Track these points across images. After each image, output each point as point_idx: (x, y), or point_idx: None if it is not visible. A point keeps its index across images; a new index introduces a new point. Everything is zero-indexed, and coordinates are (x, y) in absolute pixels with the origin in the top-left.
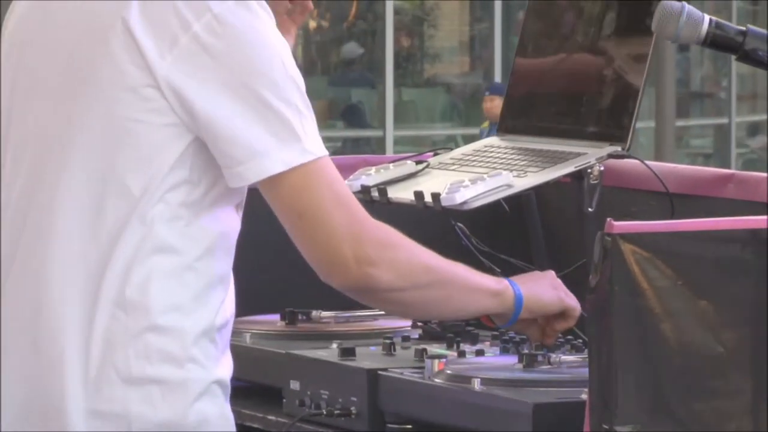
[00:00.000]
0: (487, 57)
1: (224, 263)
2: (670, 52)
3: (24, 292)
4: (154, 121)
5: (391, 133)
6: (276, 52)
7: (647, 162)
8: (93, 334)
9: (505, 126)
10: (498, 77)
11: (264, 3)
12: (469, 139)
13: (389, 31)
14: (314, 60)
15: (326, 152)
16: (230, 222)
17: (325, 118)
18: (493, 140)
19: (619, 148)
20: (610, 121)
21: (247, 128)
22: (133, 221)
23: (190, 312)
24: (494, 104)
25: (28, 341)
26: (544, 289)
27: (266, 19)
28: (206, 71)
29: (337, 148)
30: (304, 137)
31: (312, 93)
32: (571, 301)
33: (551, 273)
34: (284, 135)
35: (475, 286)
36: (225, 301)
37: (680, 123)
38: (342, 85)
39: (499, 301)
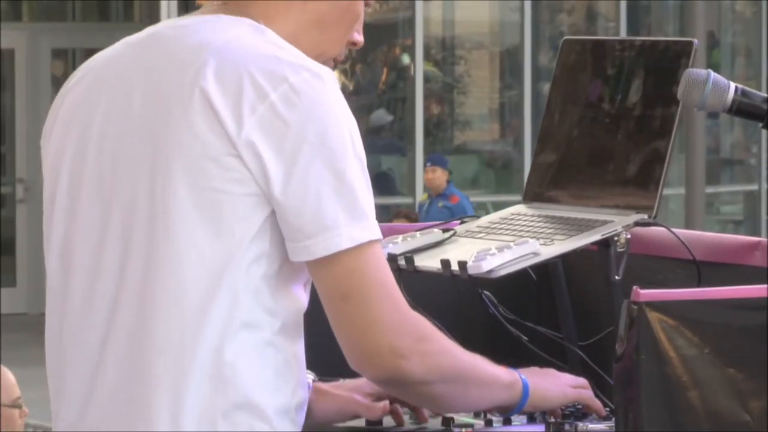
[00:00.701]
0: (516, 124)
1: (298, 341)
2: (700, 119)
3: (120, 362)
4: (236, 191)
5: (419, 197)
6: (347, 128)
7: (674, 229)
8: (184, 408)
9: (532, 194)
10: (528, 144)
11: (333, 73)
12: (499, 206)
13: (419, 98)
14: None
15: (381, 235)
16: (302, 299)
17: None
18: (520, 208)
19: (645, 216)
20: (637, 189)
21: (317, 202)
22: (221, 293)
23: (273, 390)
24: (435, 176)
25: (120, 405)
26: (549, 384)
27: (338, 91)
28: (282, 140)
29: None
30: (370, 216)
31: None
32: (574, 394)
33: (553, 370)
34: (353, 211)
35: (492, 380)
36: (300, 380)
37: (710, 190)
38: (372, 152)
39: (510, 394)
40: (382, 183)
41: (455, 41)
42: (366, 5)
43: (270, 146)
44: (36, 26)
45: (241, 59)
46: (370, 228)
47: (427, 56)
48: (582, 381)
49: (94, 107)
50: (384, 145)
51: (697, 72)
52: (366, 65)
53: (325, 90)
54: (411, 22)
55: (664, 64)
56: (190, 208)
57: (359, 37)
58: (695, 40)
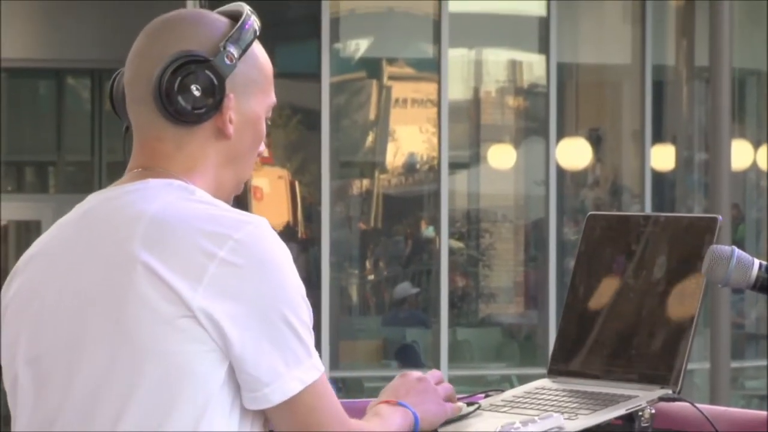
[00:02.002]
0: (541, 298)
1: None
2: (725, 293)
3: None
4: (196, 349)
5: (445, 372)
6: (290, 270)
7: (698, 405)
8: None
9: (557, 368)
10: (552, 318)
11: (266, 220)
12: (524, 380)
13: (444, 271)
14: (368, 300)
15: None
16: None
17: (379, 357)
18: (545, 382)
19: (670, 391)
20: (661, 364)
21: (271, 351)
22: None
23: None
24: None
25: None
26: (431, 405)
27: (276, 236)
28: (234, 294)
29: None
30: (313, 354)
31: (366, 332)
32: (450, 409)
33: (422, 381)
34: (300, 354)
35: None
36: None
37: (735, 364)
38: (396, 324)
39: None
40: (406, 355)
41: (480, 214)
42: (267, 120)
43: (222, 301)
44: (62, 198)
45: (180, 226)
46: (314, 365)
47: (452, 229)
48: (437, 374)
49: (42, 292)
50: (408, 317)
51: (721, 249)
52: (390, 238)
53: (267, 239)
54: (436, 194)
55: (689, 240)
56: (151, 374)
57: (263, 148)
58: (719, 217)
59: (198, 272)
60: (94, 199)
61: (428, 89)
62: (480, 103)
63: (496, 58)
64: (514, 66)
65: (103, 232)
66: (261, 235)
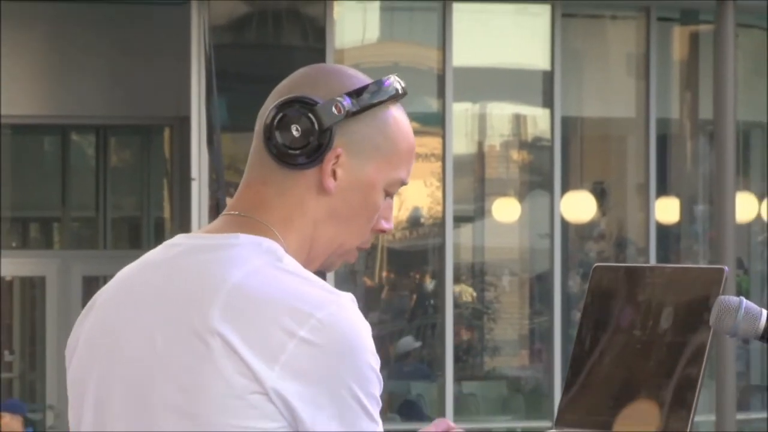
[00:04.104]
0: (546, 351)
1: None
2: (731, 346)
3: None
4: (265, 426)
5: None
6: (367, 348)
7: None
8: None
9: (564, 420)
10: (557, 371)
11: (352, 295)
12: None
13: (449, 324)
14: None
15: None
16: None
17: (384, 411)
18: None
19: None
20: (669, 415)
21: (339, 428)
22: None
23: None
24: (3, 422)
25: None
26: None
27: (360, 315)
28: (309, 373)
29: None
30: (377, 427)
31: None
32: None
33: None
34: (366, 428)
35: None
36: None
37: (741, 416)
38: (400, 378)
39: None
40: (411, 409)
41: (485, 267)
42: (388, 195)
43: (297, 380)
44: (67, 254)
45: (263, 299)
46: None
47: (457, 282)
48: (443, 424)
49: (117, 334)
50: (413, 371)
51: (729, 299)
52: (395, 292)
53: (349, 319)
54: (441, 248)
55: (696, 291)
56: None
57: (387, 225)
58: (726, 268)
59: (276, 350)
60: (182, 244)
61: (433, 143)
62: (484, 156)
63: (501, 112)
64: (519, 120)
65: (185, 291)
66: (343, 316)
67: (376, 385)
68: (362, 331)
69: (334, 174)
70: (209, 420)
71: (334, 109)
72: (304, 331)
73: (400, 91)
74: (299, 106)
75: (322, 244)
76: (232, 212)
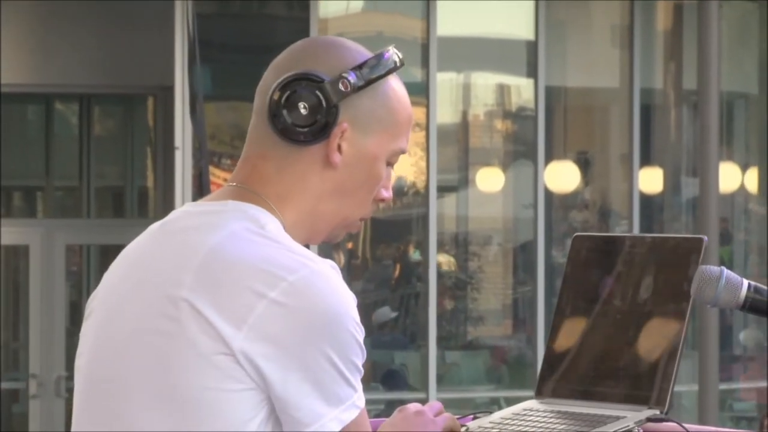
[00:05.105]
0: (529, 320)
1: None
2: (713, 316)
3: None
4: (233, 387)
5: (434, 395)
6: (345, 313)
7: (686, 425)
8: None
9: (544, 389)
10: (540, 340)
11: (334, 263)
12: (512, 402)
13: (432, 294)
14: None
15: (364, 399)
16: None
17: (368, 380)
18: (532, 403)
19: (658, 412)
20: (649, 384)
21: (312, 393)
22: None
23: None
24: None
25: None
26: None
27: (338, 283)
28: (278, 335)
29: (380, 410)
30: (355, 393)
31: None
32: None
33: (418, 410)
34: (342, 394)
35: None
36: None
37: (723, 386)
38: (384, 347)
39: None
40: (394, 379)
41: (468, 237)
42: (389, 164)
43: (265, 342)
44: (51, 222)
45: (236, 263)
46: (354, 406)
47: (441, 252)
48: (436, 406)
49: (111, 297)
50: (396, 340)
51: (710, 269)
52: (378, 261)
53: (323, 284)
54: (425, 218)
55: (675, 261)
56: (183, 407)
57: (387, 194)
58: (705, 237)
59: (244, 312)
60: (181, 211)
61: (417, 113)
62: (468, 126)
63: (485, 82)
64: (503, 90)
65: (168, 256)
66: (316, 280)
67: (356, 352)
68: (340, 297)
69: (339, 148)
70: (179, 382)
71: (341, 85)
72: (274, 293)
73: (398, 63)
74: (306, 83)
75: (326, 218)
76: (231, 183)
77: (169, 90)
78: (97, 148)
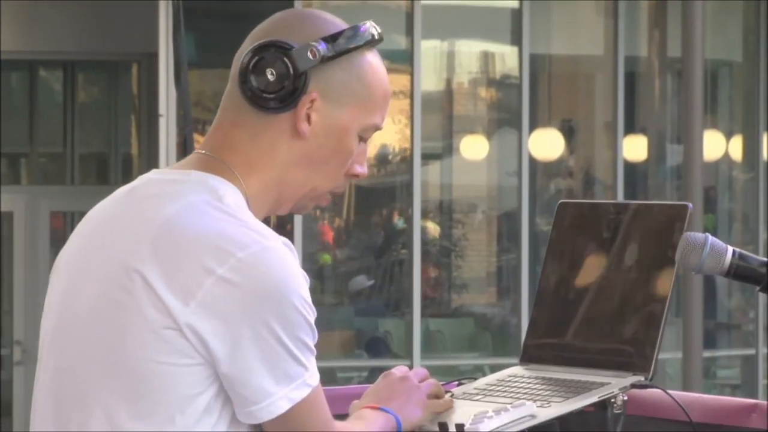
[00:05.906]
0: (514, 288)
1: None
2: (697, 283)
3: None
4: (179, 361)
5: (418, 362)
6: (294, 290)
7: (670, 391)
8: None
9: (529, 356)
10: (525, 308)
11: (288, 241)
12: (497, 369)
13: (416, 261)
14: (340, 290)
15: (318, 377)
16: None
17: (352, 348)
18: (517, 370)
19: (642, 378)
20: (633, 351)
21: (260, 371)
22: None
23: None
24: None
25: None
26: (413, 408)
27: (289, 260)
28: (225, 311)
29: (363, 377)
30: (305, 372)
31: (338, 323)
32: (433, 406)
33: (403, 376)
34: (292, 372)
35: None
36: None
37: (707, 354)
38: (368, 315)
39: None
40: (378, 346)
41: (453, 205)
42: (362, 140)
43: (213, 318)
44: (35, 189)
45: (188, 237)
46: (305, 382)
47: (425, 219)
48: (421, 372)
49: (73, 263)
50: (381, 308)
51: (694, 236)
52: (363, 229)
53: (272, 261)
54: (409, 186)
55: (660, 228)
56: (131, 379)
57: (360, 170)
58: (690, 204)
59: (193, 287)
60: (145, 179)
61: (401, 81)
62: (452, 94)
63: (469, 50)
64: (487, 57)
65: (127, 225)
66: (266, 257)
67: (305, 330)
68: (289, 274)
69: (308, 118)
70: (129, 353)
71: (309, 53)
72: (223, 269)
73: (376, 37)
74: (274, 50)
75: (294, 187)
76: (200, 151)
77: (153, 57)
78: (81, 115)
